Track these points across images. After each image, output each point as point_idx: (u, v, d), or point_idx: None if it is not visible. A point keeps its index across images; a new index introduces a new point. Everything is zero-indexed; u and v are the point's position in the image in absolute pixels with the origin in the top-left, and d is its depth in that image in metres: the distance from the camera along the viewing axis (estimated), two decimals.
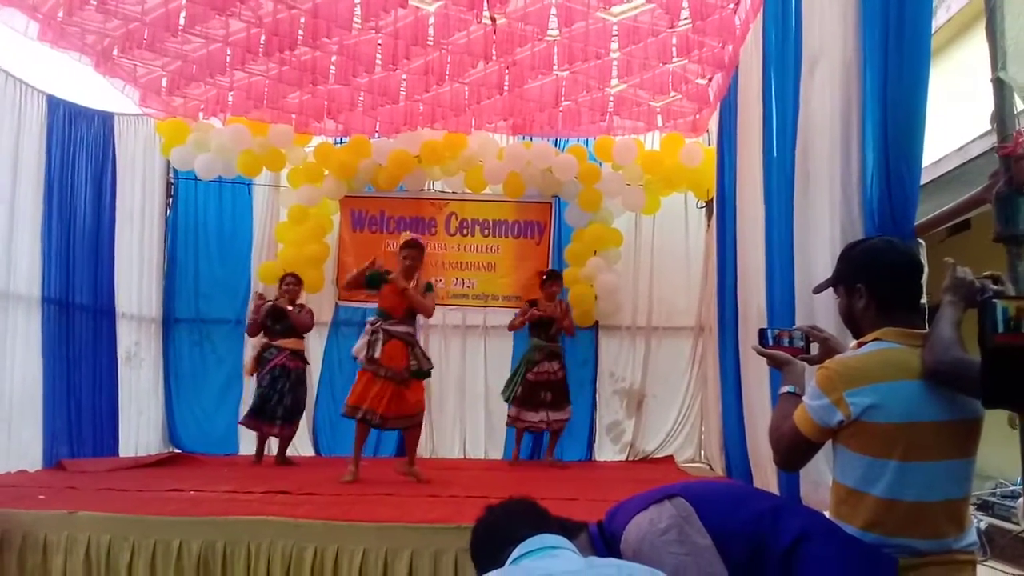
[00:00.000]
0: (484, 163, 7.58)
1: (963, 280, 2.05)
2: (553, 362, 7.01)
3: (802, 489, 3.67)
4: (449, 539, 3.55)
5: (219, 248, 7.97)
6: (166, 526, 3.77)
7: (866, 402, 1.98)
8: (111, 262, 7.07)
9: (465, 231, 8.04)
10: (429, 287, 5.73)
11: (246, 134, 7.29)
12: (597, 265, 7.56)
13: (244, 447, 7.62)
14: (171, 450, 7.55)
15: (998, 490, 5.43)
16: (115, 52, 5.99)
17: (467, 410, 7.77)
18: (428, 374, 5.77)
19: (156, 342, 7.74)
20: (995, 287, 2.03)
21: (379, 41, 5.96)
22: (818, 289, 2.41)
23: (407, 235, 5.88)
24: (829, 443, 2.11)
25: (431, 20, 5.69)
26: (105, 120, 7.10)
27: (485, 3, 5.30)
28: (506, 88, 6.60)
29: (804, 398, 2.11)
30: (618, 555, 2.00)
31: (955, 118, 5.44)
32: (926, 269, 2.39)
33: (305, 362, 6.92)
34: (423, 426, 7.64)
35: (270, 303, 6.62)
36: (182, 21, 5.53)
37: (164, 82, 6.61)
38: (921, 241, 2.86)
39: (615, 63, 6.25)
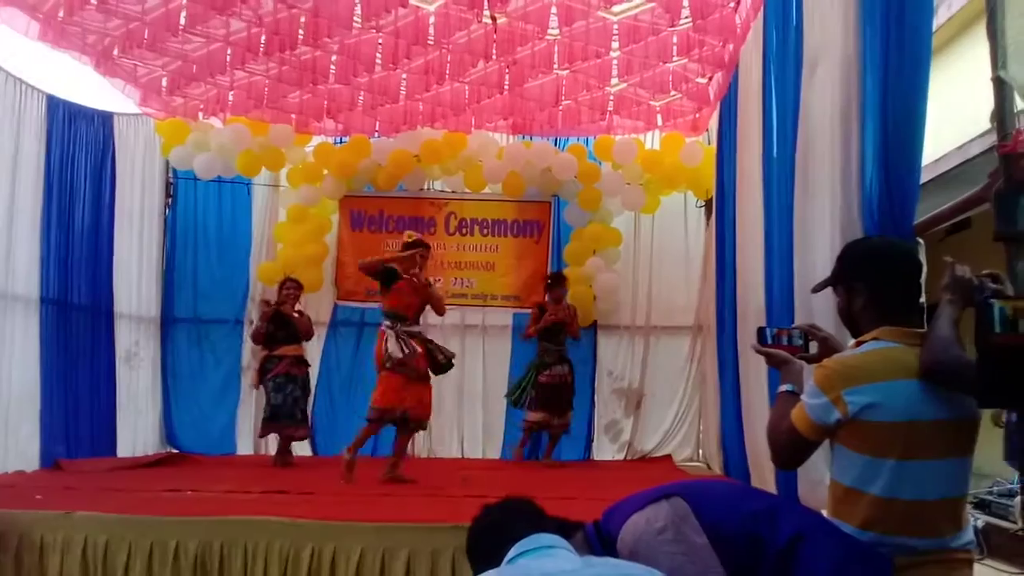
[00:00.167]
0: (484, 162, 7.57)
1: (962, 279, 2.05)
2: (563, 365, 7.04)
3: (800, 488, 3.66)
4: (446, 538, 3.54)
5: (218, 248, 7.96)
6: (163, 526, 3.76)
7: (864, 401, 1.98)
8: (110, 262, 7.06)
9: (464, 230, 8.03)
10: (429, 285, 5.79)
11: (246, 134, 7.28)
12: (596, 264, 7.56)
13: (242, 447, 7.63)
14: (169, 450, 7.54)
15: (995, 489, 5.42)
16: (115, 52, 5.99)
17: (465, 409, 7.76)
18: (452, 364, 5.83)
19: (154, 342, 7.73)
20: (994, 286, 2.02)
21: (379, 40, 5.96)
22: (817, 288, 2.41)
23: (413, 234, 5.87)
24: (827, 442, 2.10)
25: (431, 19, 5.69)
26: (105, 120, 7.10)
27: (485, 2, 5.29)
28: (506, 87, 6.60)
29: (802, 397, 2.10)
30: (615, 555, 1.99)
31: (955, 117, 5.43)
32: (925, 268, 2.38)
33: (307, 365, 6.93)
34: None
35: (274, 308, 6.61)
36: (182, 21, 5.53)
37: (164, 82, 6.61)
38: (920, 240, 2.85)
39: (615, 62, 6.25)
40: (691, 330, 7.75)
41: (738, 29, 5.45)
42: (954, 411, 1.98)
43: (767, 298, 4.41)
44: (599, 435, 7.74)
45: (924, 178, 3.23)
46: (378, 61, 6.19)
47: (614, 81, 6.60)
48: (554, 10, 5.51)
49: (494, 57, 6.10)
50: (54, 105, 6.46)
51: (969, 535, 2.03)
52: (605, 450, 7.66)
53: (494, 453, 7.60)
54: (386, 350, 5.43)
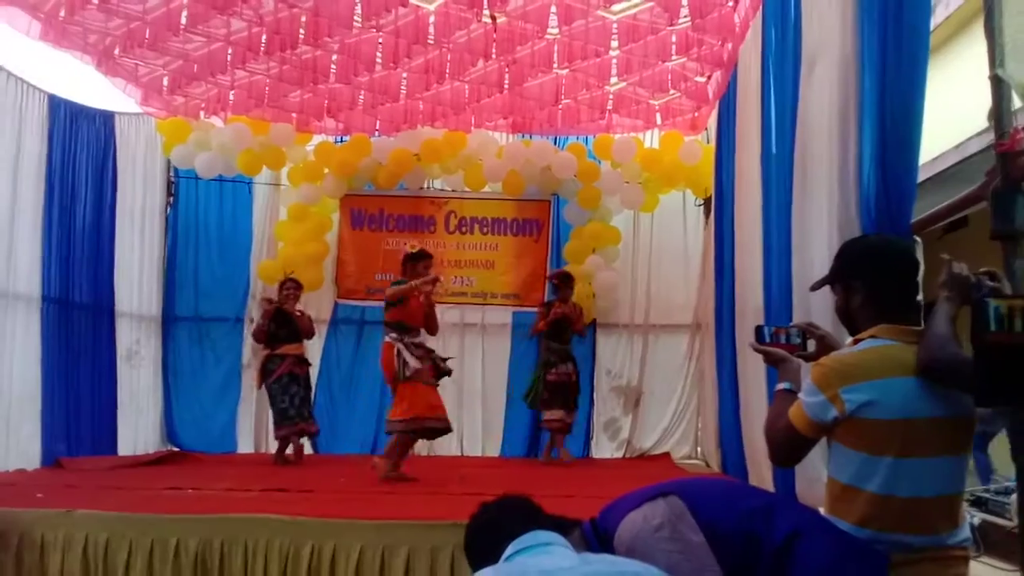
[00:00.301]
0: (483, 161, 7.58)
1: (959, 276, 2.06)
2: (569, 363, 7.04)
3: (797, 485, 3.67)
4: (446, 536, 3.55)
5: (219, 247, 7.97)
6: (164, 524, 3.77)
7: (861, 399, 1.99)
8: (111, 261, 7.08)
9: (464, 229, 8.04)
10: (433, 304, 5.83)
11: (247, 133, 7.29)
12: (596, 263, 7.56)
13: (243, 445, 7.64)
14: (169, 448, 7.55)
15: (992, 486, 5.43)
16: (117, 51, 6.00)
17: (464, 408, 7.76)
18: (450, 372, 5.84)
19: (156, 340, 7.74)
20: (991, 283, 2.03)
21: (380, 40, 5.97)
22: (815, 286, 2.41)
23: (416, 245, 5.86)
24: (824, 440, 2.11)
25: (431, 19, 5.69)
26: (106, 119, 7.10)
27: (485, 2, 5.30)
28: (506, 86, 6.61)
29: (800, 394, 2.11)
30: (612, 552, 2.00)
31: (953, 115, 5.44)
32: (922, 266, 2.39)
33: (308, 364, 6.93)
34: None
35: (275, 306, 6.61)
36: (183, 20, 5.54)
37: (165, 81, 6.61)
38: (918, 238, 2.86)
39: (614, 61, 6.25)
40: (690, 328, 7.75)
41: (737, 28, 5.46)
42: (951, 409, 1.99)
43: (765, 296, 4.43)
44: (598, 433, 7.75)
45: (922, 176, 3.24)
46: (378, 60, 6.19)
47: (613, 80, 6.60)
48: (553, 9, 5.50)
49: (494, 56, 6.10)
50: (56, 104, 6.47)
51: (966, 532, 2.04)
52: (604, 448, 7.67)
53: (493, 451, 7.61)
54: (402, 362, 5.41)
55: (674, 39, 5.82)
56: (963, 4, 6.03)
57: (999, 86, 2.49)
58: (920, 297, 2.25)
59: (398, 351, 5.43)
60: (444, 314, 7.48)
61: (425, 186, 8.04)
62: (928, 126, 2.84)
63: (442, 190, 8.11)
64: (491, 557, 1.80)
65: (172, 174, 7.88)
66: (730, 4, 5.38)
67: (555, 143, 7.71)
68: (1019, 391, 1.88)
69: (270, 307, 6.66)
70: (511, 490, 2.09)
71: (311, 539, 3.68)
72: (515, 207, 8.01)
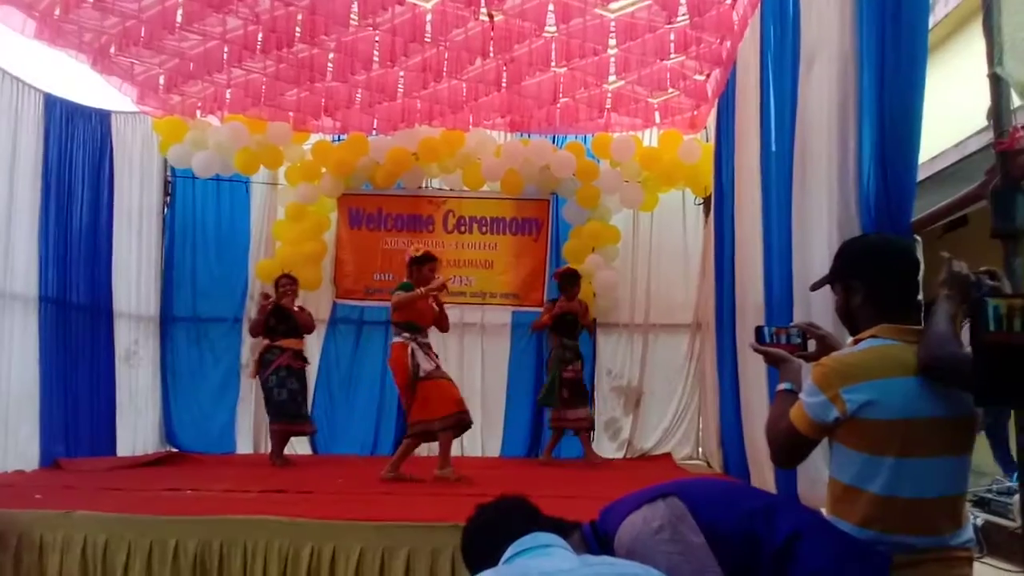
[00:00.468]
0: (482, 160, 7.56)
1: (959, 274, 2.05)
2: (579, 361, 7.01)
3: (799, 486, 3.67)
4: (446, 537, 3.55)
5: (217, 246, 7.94)
6: (163, 525, 3.77)
7: (862, 399, 1.98)
8: (109, 261, 7.06)
9: (463, 228, 8.02)
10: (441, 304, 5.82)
11: (243, 132, 7.27)
12: (595, 262, 7.55)
13: (242, 446, 7.63)
14: (168, 449, 7.53)
15: (995, 486, 5.42)
16: (112, 50, 5.98)
17: None
18: None
19: (154, 341, 7.72)
20: (991, 283, 2.02)
21: (376, 38, 5.94)
22: (815, 286, 2.41)
23: (420, 248, 5.83)
24: (826, 440, 2.10)
25: (429, 17, 5.68)
26: (102, 118, 7.09)
27: (483, 0, 5.29)
28: (504, 85, 6.59)
29: (801, 395, 2.11)
30: (612, 554, 1.99)
31: (952, 113, 5.43)
32: (923, 265, 2.38)
33: (306, 361, 6.90)
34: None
35: (273, 301, 6.58)
36: (179, 18, 5.52)
37: (161, 80, 6.59)
38: (918, 237, 2.86)
39: (613, 59, 6.24)
40: (690, 328, 7.74)
41: (735, 26, 5.45)
42: (952, 409, 1.98)
43: (766, 295, 4.42)
44: (598, 433, 7.72)
45: (921, 175, 3.24)
46: (375, 59, 6.18)
47: (612, 78, 6.59)
48: (551, 7, 5.49)
49: (492, 55, 6.08)
50: (51, 103, 6.45)
51: (969, 533, 2.03)
52: (605, 448, 7.65)
53: (493, 452, 7.60)
54: (415, 363, 5.39)
55: (672, 37, 5.80)
56: (962, 2, 6.02)
57: (998, 84, 2.49)
58: (920, 297, 2.25)
59: (412, 351, 5.42)
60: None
61: (423, 185, 8.02)
62: (928, 124, 2.84)
63: (440, 189, 8.09)
64: (490, 559, 1.78)
65: (169, 173, 7.85)
66: (728, 2, 5.37)
67: (554, 142, 7.69)
68: (1018, 391, 1.87)
69: (266, 302, 6.63)
70: (514, 490, 2.08)
71: (311, 540, 3.67)
72: (514, 206, 8.00)
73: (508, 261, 7.99)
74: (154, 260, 7.72)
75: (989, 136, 2.60)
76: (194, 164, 7.38)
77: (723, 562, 1.93)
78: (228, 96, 6.91)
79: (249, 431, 7.68)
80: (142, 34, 5.63)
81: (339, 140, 7.72)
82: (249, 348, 7.53)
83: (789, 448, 2.14)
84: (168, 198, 7.88)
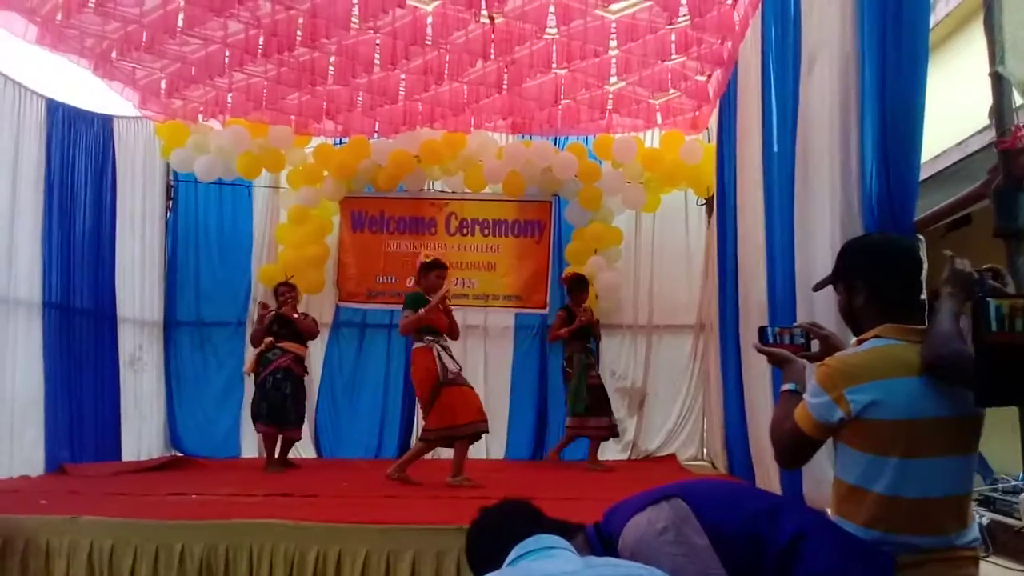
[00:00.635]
0: (484, 162, 7.57)
1: (961, 272, 2.05)
2: (597, 367, 6.99)
3: (804, 487, 3.66)
4: (451, 540, 3.54)
5: (220, 250, 7.95)
6: (168, 530, 3.77)
7: (866, 399, 1.98)
8: (112, 265, 7.05)
9: (465, 231, 8.02)
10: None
11: (245, 136, 7.29)
12: (598, 264, 7.55)
13: (246, 450, 7.63)
14: (173, 453, 7.54)
15: (1000, 486, 5.41)
16: (114, 55, 6.00)
17: None
18: None
19: (158, 345, 7.73)
20: (993, 283, 2.02)
21: (377, 41, 5.96)
22: (817, 286, 2.41)
23: (431, 255, 5.83)
24: (831, 440, 2.10)
25: (429, 19, 5.68)
26: (104, 123, 7.09)
27: (483, 2, 5.29)
28: (505, 87, 6.60)
29: (805, 396, 2.10)
30: (616, 556, 1.99)
31: (955, 113, 5.42)
32: (926, 264, 2.38)
33: (305, 370, 6.85)
34: (417, 427, 7.65)
35: (273, 311, 6.58)
36: (180, 23, 5.52)
37: (163, 84, 6.61)
38: (921, 236, 2.85)
39: (614, 61, 6.25)
40: (693, 328, 7.74)
41: (736, 26, 5.45)
42: (957, 408, 1.97)
43: (769, 295, 4.42)
44: None
45: (924, 175, 3.23)
46: (376, 62, 6.19)
47: (613, 80, 6.59)
48: (552, 9, 5.50)
49: (492, 57, 6.09)
50: (54, 108, 6.45)
51: (974, 533, 2.03)
52: (609, 450, 7.62)
53: (497, 454, 7.59)
54: (443, 367, 5.38)
55: (673, 38, 5.81)
56: (963, 1, 6.01)
57: (999, 83, 2.48)
58: (924, 296, 2.24)
59: (437, 353, 5.40)
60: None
61: (425, 188, 8.03)
62: (929, 123, 2.83)
63: (442, 192, 8.10)
64: (494, 562, 1.79)
65: (171, 178, 7.87)
66: (729, 2, 5.37)
67: (555, 143, 7.69)
68: (1020, 391, 1.87)
69: (265, 312, 6.62)
70: (516, 493, 2.09)
71: (316, 544, 3.67)
72: (516, 208, 8.00)
73: (510, 263, 7.98)
74: (157, 264, 7.74)
75: (991, 135, 2.60)
76: (196, 168, 7.40)
77: (727, 563, 1.93)
78: (230, 100, 6.92)
79: (253, 435, 7.64)
80: (143, 39, 5.65)
81: (341, 143, 7.74)
82: (252, 352, 7.52)
83: (793, 449, 2.14)
84: (171, 202, 7.90)
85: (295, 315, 6.63)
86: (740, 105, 5.39)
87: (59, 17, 5.42)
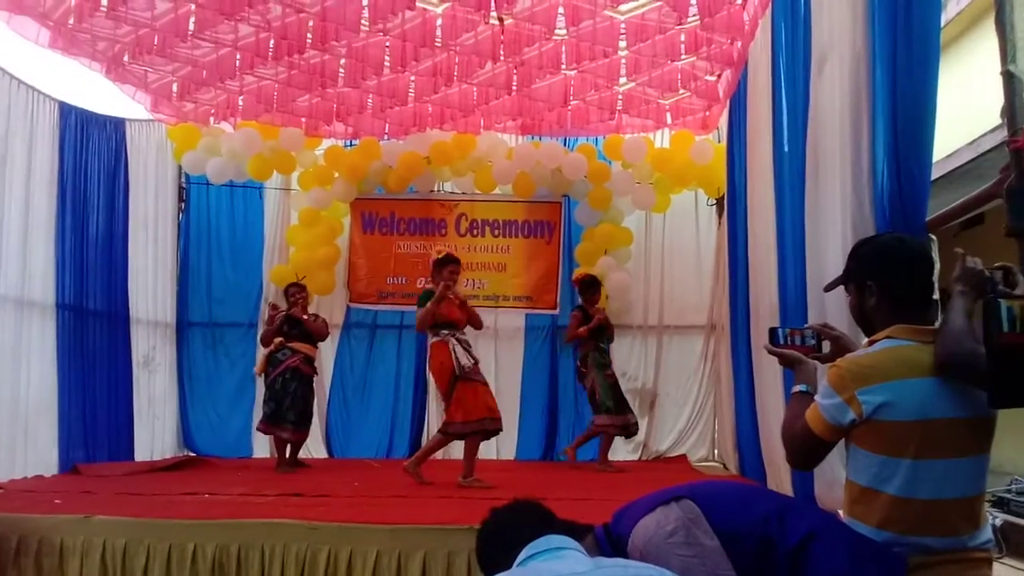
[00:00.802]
0: (493, 163, 7.58)
1: (973, 269, 2.04)
2: (610, 367, 6.96)
3: (816, 488, 3.65)
4: (462, 540, 3.55)
5: (231, 252, 8.01)
6: (181, 529, 3.79)
7: (878, 400, 1.97)
8: (125, 267, 7.10)
9: (475, 232, 8.04)
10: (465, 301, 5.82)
11: (256, 138, 7.32)
12: (608, 264, 7.54)
13: (258, 450, 7.66)
14: (186, 453, 7.59)
15: (1014, 487, 5.38)
16: (125, 58, 6.04)
17: None
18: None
19: (170, 346, 7.78)
20: (1002, 288, 2.00)
21: (387, 43, 5.98)
22: (828, 287, 2.40)
23: (443, 250, 5.85)
24: (842, 442, 2.09)
25: (439, 21, 5.70)
26: (117, 126, 7.13)
27: (492, 3, 5.30)
28: (514, 88, 6.60)
29: (816, 397, 2.10)
30: (625, 557, 1.99)
31: (967, 112, 5.40)
32: (938, 264, 2.37)
33: (315, 371, 6.87)
34: (428, 427, 7.66)
35: (284, 312, 6.60)
36: (191, 27, 5.56)
37: (175, 87, 6.65)
38: (933, 236, 2.84)
39: (623, 61, 6.25)
40: (704, 329, 7.72)
41: (746, 26, 5.44)
42: (970, 409, 1.96)
43: (780, 296, 4.40)
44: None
45: (936, 174, 3.22)
46: (386, 64, 6.21)
47: (622, 80, 6.60)
48: (561, 10, 5.50)
49: (502, 58, 6.10)
50: (66, 112, 6.50)
51: (987, 534, 2.02)
52: (620, 451, 7.62)
53: (508, 454, 7.59)
54: (458, 361, 5.39)
55: (683, 38, 5.80)
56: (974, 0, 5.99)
57: (1011, 82, 2.47)
58: (936, 296, 2.23)
59: (452, 347, 5.42)
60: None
61: (435, 189, 8.05)
62: (941, 123, 2.82)
63: (452, 193, 8.12)
64: (503, 562, 1.79)
65: (183, 180, 7.92)
66: (739, 2, 5.36)
67: (565, 144, 7.69)
68: None
69: (275, 313, 6.65)
70: (526, 494, 2.09)
71: (327, 544, 3.69)
72: (526, 209, 8.00)
73: (521, 264, 7.99)
74: (170, 266, 7.78)
75: (1003, 134, 2.58)
76: (208, 170, 7.44)
77: (737, 565, 1.93)
78: (241, 103, 6.97)
79: (265, 435, 7.71)
80: (155, 42, 5.69)
81: (351, 145, 7.77)
82: (263, 354, 7.56)
83: (805, 450, 2.13)
84: (183, 204, 7.95)
85: (305, 316, 6.64)
86: (750, 105, 5.38)
87: (71, 21, 5.46)
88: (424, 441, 7.08)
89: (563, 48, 6.03)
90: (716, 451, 7.60)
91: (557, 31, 5.76)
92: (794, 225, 4.12)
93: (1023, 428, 2.25)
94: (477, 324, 5.83)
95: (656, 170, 7.49)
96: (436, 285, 5.57)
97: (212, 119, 7.20)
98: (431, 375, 5.66)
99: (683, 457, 7.48)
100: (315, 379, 6.89)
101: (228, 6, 5.31)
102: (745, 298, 5.52)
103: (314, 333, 6.69)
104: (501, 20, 5.60)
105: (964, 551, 1.96)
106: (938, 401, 1.96)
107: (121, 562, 3.74)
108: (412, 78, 6.60)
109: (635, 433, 6.98)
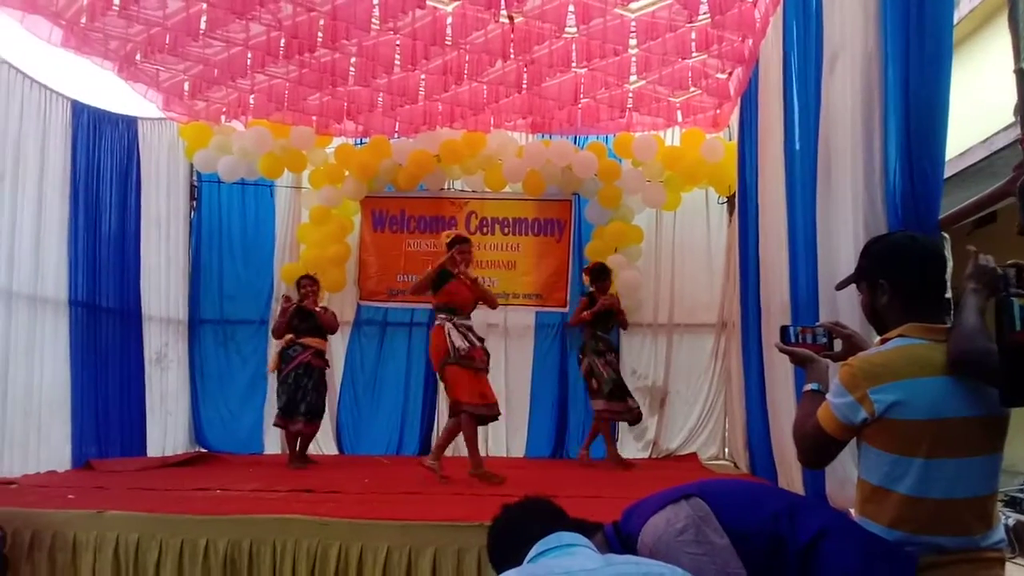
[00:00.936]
0: (503, 161, 7.58)
1: (985, 267, 2.03)
2: (611, 353, 6.92)
3: (828, 487, 3.64)
4: (472, 537, 3.56)
5: (243, 250, 8.05)
6: (193, 525, 3.82)
7: (890, 399, 1.96)
8: (137, 265, 7.15)
9: (485, 230, 8.04)
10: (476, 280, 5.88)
11: (267, 136, 7.35)
12: (618, 262, 7.52)
13: (270, 447, 7.70)
14: (198, 449, 7.64)
15: None
16: (137, 57, 6.07)
17: None
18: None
19: (183, 343, 7.83)
20: (1016, 289, 2.00)
21: (397, 42, 5.99)
22: (840, 285, 2.39)
23: (451, 232, 5.90)
24: (854, 441, 2.09)
25: (449, 20, 5.71)
26: (129, 124, 7.17)
27: (503, 1, 5.30)
28: (524, 86, 6.59)
29: (828, 396, 2.09)
30: (635, 555, 1.99)
31: (979, 110, 5.36)
32: (950, 263, 2.36)
33: (326, 363, 6.91)
34: (438, 424, 7.68)
35: (295, 305, 6.64)
36: (203, 25, 5.58)
37: (186, 86, 6.68)
38: (946, 235, 2.83)
39: (634, 59, 6.23)
40: (715, 327, 7.70)
41: (757, 24, 5.42)
42: (982, 408, 1.96)
43: (791, 294, 4.39)
44: (624, 433, 7.69)
45: (948, 172, 3.20)
46: (397, 62, 6.22)
47: (633, 78, 6.58)
48: (571, 8, 5.49)
49: (512, 56, 6.09)
50: (79, 110, 6.54)
51: (1000, 533, 2.01)
52: (630, 448, 7.62)
53: (518, 452, 7.60)
54: (451, 344, 5.43)
55: (693, 36, 5.79)
56: None
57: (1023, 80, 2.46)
58: (948, 295, 2.23)
59: (448, 331, 5.46)
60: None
61: (445, 187, 8.06)
62: (954, 121, 2.80)
63: (462, 191, 8.12)
64: (514, 559, 1.80)
65: (195, 178, 7.96)
66: (750, 0, 5.34)
67: (575, 142, 7.69)
68: None
69: (287, 304, 6.68)
70: (537, 491, 2.09)
71: (338, 540, 3.70)
72: (536, 207, 8.00)
73: (531, 262, 7.99)
74: (181, 264, 7.83)
75: (1016, 132, 2.57)
76: (219, 169, 7.48)
77: (747, 563, 1.93)
78: (252, 101, 6.99)
79: (276, 431, 7.74)
80: (167, 41, 5.72)
81: (361, 143, 7.79)
82: (274, 349, 7.59)
83: (816, 449, 2.12)
84: (194, 202, 7.99)
85: (316, 308, 6.68)
86: (761, 103, 5.36)
87: (83, 20, 5.49)
88: (434, 439, 7.08)
89: (573, 46, 6.02)
90: (727, 449, 7.59)
91: (567, 29, 5.76)
92: (806, 223, 4.11)
93: None
94: (491, 303, 5.89)
95: (667, 168, 7.47)
96: (447, 264, 5.61)
97: (223, 117, 7.22)
98: (431, 353, 5.72)
99: (693, 455, 7.47)
100: (327, 372, 6.92)
101: (239, 5, 5.33)
102: (756, 296, 5.51)
103: (324, 326, 6.72)
104: (511, 18, 5.60)
105: (976, 551, 1.95)
106: (951, 400, 1.95)
107: (134, 557, 3.78)
108: (422, 76, 6.60)
109: (639, 419, 6.93)
